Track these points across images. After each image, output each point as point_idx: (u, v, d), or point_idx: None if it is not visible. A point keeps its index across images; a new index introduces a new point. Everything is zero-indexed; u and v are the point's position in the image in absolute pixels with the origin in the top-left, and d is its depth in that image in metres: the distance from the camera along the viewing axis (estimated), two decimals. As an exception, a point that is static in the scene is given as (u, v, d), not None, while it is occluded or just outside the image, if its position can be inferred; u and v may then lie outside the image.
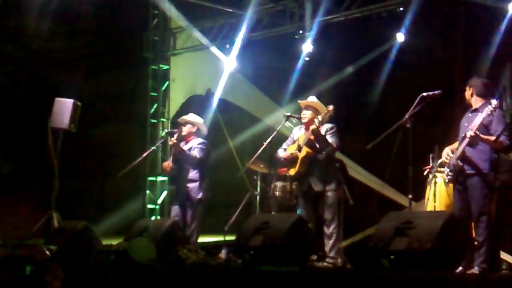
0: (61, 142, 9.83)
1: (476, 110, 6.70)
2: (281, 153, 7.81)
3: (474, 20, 9.14)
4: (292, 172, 7.64)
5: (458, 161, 6.59)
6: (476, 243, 6.41)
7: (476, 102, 6.76)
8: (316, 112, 7.65)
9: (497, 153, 6.62)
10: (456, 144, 6.75)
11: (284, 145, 7.88)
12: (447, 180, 6.78)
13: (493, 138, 6.40)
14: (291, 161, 7.63)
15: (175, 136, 8.58)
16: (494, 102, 6.49)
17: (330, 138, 7.49)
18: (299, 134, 7.79)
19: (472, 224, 6.57)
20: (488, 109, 6.44)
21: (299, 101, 7.90)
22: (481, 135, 6.46)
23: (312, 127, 7.46)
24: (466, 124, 6.68)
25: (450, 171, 6.66)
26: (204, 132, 8.87)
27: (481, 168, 6.55)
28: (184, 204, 8.59)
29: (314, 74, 11.99)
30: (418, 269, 5.51)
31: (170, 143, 8.65)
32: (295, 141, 7.75)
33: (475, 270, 6.29)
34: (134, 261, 6.59)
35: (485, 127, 6.55)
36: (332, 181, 7.53)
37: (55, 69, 15.50)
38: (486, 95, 6.71)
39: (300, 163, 7.54)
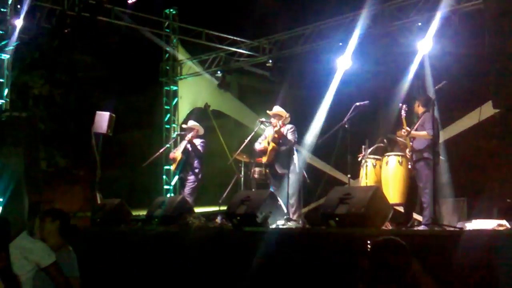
0: (101, 143, 9.78)
1: (418, 117, 6.92)
2: (257, 146, 7.85)
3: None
4: (264, 159, 7.69)
5: (409, 152, 6.80)
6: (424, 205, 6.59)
7: (420, 111, 6.95)
8: (280, 117, 7.68)
9: (435, 143, 6.69)
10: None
11: (259, 140, 7.91)
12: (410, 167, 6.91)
13: (423, 133, 6.57)
14: (264, 151, 7.67)
15: (190, 135, 8.62)
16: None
17: (290, 135, 7.52)
18: (269, 132, 7.83)
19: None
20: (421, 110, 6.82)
21: (267, 111, 7.91)
22: (414, 132, 6.64)
23: (276, 128, 7.51)
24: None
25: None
26: (202, 132, 8.91)
27: (423, 155, 6.65)
28: (186, 183, 8.65)
29: (282, 90, 11.99)
30: (355, 227, 5.55)
31: (187, 139, 8.67)
32: (266, 137, 7.79)
33: (423, 227, 6.28)
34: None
35: (421, 126, 6.74)
36: (292, 166, 7.52)
37: (96, 90, 15.43)
38: (426, 105, 6.82)
39: (269, 153, 7.59)
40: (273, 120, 7.73)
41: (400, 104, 7.10)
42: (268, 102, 9.80)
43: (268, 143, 7.60)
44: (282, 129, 7.58)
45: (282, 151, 7.53)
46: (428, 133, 6.60)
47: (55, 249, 4.13)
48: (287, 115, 7.52)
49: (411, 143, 6.86)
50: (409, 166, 6.90)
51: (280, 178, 7.55)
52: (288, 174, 7.42)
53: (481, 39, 5.55)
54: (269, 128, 7.91)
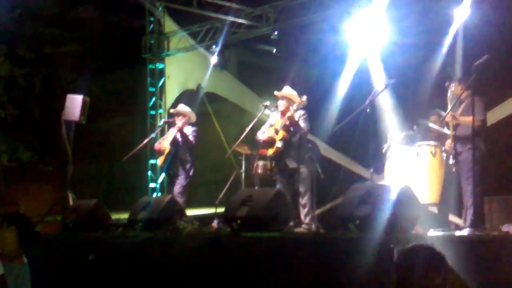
0: (73, 132, 9.80)
1: (461, 101, 6.82)
2: (260, 135, 7.82)
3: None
4: (270, 151, 7.67)
5: (452, 142, 6.70)
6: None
7: (461, 92, 6.81)
8: (290, 101, 7.64)
9: (482, 130, 6.61)
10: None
11: (263, 128, 7.89)
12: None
13: (470, 118, 6.46)
14: (269, 142, 7.64)
15: (180, 122, 8.63)
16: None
17: (302, 123, 7.51)
18: (275, 119, 7.80)
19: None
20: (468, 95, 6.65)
21: (275, 92, 7.88)
22: (459, 117, 6.56)
23: (288, 114, 7.47)
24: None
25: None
26: (194, 119, 8.92)
27: (469, 144, 6.58)
28: (175, 180, 8.66)
29: (289, 68, 11.98)
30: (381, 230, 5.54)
31: (176, 127, 8.67)
32: (272, 125, 7.76)
33: (462, 231, 6.15)
34: None
35: (466, 111, 6.67)
36: (305, 159, 7.51)
37: (66, 69, 15.44)
38: (470, 86, 6.71)
39: (277, 144, 7.57)
40: (280, 103, 7.68)
41: (447, 83, 7.02)
42: (273, 82, 9.81)
43: (277, 132, 7.57)
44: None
45: (294, 142, 7.50)
46: (476, 118, 6.48)
47: (8, 260, 4.14)
48: (304, 98, 7.48)
49: (454, 132, 6.74)
50: (451, 161, 6.77)
51: (289, 173, 7.53)
52: (299, 169, 7.40)
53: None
54: (274, 114, 7.88)
